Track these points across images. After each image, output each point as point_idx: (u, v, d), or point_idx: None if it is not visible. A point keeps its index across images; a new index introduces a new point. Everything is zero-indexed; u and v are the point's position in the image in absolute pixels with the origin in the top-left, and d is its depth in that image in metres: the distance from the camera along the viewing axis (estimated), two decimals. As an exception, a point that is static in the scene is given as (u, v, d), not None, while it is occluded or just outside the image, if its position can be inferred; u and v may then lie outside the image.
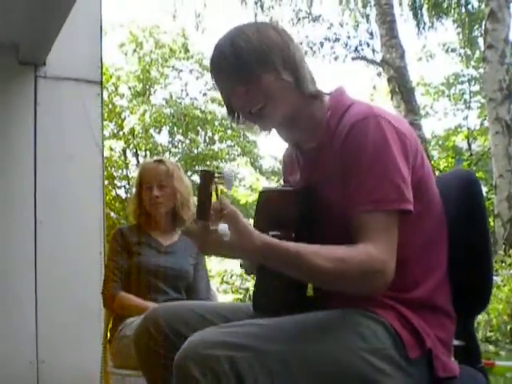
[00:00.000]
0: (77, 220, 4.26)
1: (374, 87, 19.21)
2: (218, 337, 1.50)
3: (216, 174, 1.51)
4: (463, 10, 16.66)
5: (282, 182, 2.11)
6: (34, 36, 4.05)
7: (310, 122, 1.81)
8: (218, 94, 1.78)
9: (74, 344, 4.06)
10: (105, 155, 4.64)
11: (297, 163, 1.94)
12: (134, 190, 3.51)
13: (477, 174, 1.98)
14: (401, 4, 16.73)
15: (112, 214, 14.87)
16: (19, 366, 3.98)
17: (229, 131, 19.86)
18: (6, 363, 3.91)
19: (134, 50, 19.95)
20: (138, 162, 19.13)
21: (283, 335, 1.55)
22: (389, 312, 1.65)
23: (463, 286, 1.78)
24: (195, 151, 19.97)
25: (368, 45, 16.71)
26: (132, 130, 18.61)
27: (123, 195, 18.51)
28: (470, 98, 18.85)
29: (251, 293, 2.01)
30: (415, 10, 16.70)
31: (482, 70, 14.66)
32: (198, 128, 19.87)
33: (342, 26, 17.03)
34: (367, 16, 17.00)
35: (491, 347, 6.78)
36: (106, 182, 14.07)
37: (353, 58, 16.61)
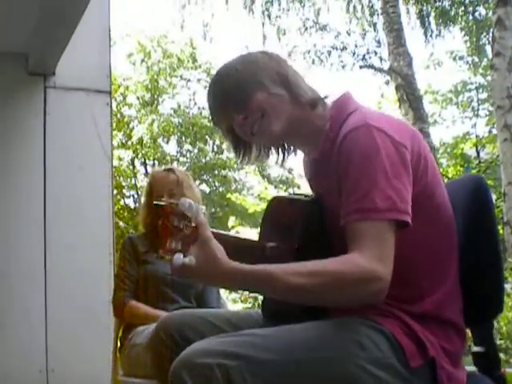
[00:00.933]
0: (86, 229, 4.28)
1: (382, 95, 19.20)
2: (212, 346, 1.51)
3: (168, 207, 1.53)
4: (470, 17, 16.65)
5: (290, 190, 2.10)
6: (43, 46, 4.07)
7: (311, 132, 1.82)
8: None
9: (83, 353, 4.07)
10: (113, 165, 4.65)
11: (308, 174, 1.95)
12: (143, 198, 3.51)
13: (486, 182, 1.97)
14: (408, 12, 16.73)
15: (121, 223, 14.88)
16: (29, 374, 3.99)
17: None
18: (15, 371, 3.92)
19: (143, 60, 20.03)
20: (147, 171, 19.16)
21: (279, 344, 1.54)
22: (389, 320, 1.63)
23: (475, 294, 1.77)
24: (203, 160, 20.00)
25: (375, 53, 16.71)
26: (140, 140, 18.65)
27: (132, 205, 18.54)
28: (478, 105, 18.80)
29: (260, 302, 2.01)
30: (422, 18, 16.70)
31: (489, 78, 14.63)
32: (206, 137, 19.90)
33: (349, 34, 17.04)
34: (374, 24, 17.00)
35: (502, 355, 6.75)
36: (115, 192, 14.09)
37: (360, 67, 16.60)
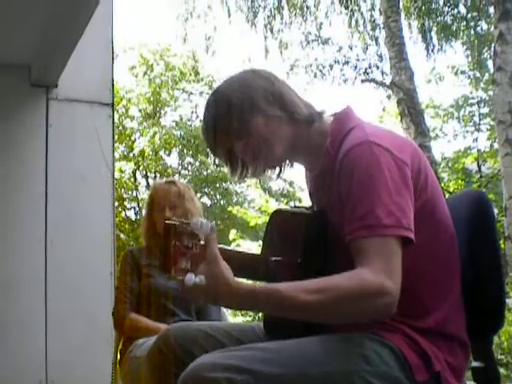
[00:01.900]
0: (87, 241, 4.27)
1: (384, 109, 19.22)
2: (220, 360, 1.51)
3: (180, 226, 1.52)
4: (472, 32, 16.70)
5: (292, 203, 2.10)
6: (46, 58, 4.09)
7: (311, 148, 1.82)
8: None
9: (83, 364, 4.05)
10: (115, 177, 4.65)
11: (310, 188, 1.95)
12: (144, 211, 3.51)
13: (487, 196, 1.97)
14: (410, 26, 16.79)
15: (122, 235, 14.88)
16: (29, 386, 3.97)
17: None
18: (15, 382, 3.90)
19: (145, 73, 20.06)
20: (148, 183, 19.17)
21: (285, 358, 1.55)
22: (395, 334, 1.63)
23: (476, 309, 1.77)
24: (205, 173, 20.01)
25: (377, 67, 16.75)
26: (142, 152, 18.66)
27: (133, 217, 18.54)
28: (480, 120, 18.80)
29: (260, 314, 2.01)
30: (424, 33, 16.75)
31: (491, 93, 14.65)
32: (208, 150, 19.89)
33: (351, 48, 17.09)
34: (376, 39, 17.05)
35: (502, 370, 6.73)
36: (116, 204, 14.10)
37: (362, 81, 16.63)
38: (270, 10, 16.97)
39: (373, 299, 1.53)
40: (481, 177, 17.47)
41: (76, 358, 4.05)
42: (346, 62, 16.62)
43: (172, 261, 1.51)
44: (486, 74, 17.39)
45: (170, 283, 3.24)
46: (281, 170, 1.91)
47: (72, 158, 4.36)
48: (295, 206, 1.99)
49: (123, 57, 19.52)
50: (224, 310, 3.74)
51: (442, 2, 16.26)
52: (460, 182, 17.93)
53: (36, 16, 3.69)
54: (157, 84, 19.97)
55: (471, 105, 18.93)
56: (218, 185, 19.92)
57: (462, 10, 16.46)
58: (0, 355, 3.93)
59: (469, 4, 16.10)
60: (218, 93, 1.85)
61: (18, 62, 4.22)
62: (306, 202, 2.04)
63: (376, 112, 19.33)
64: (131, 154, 18.92)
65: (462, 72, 18.80)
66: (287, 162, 1.90)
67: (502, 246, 11.04)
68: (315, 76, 16.20)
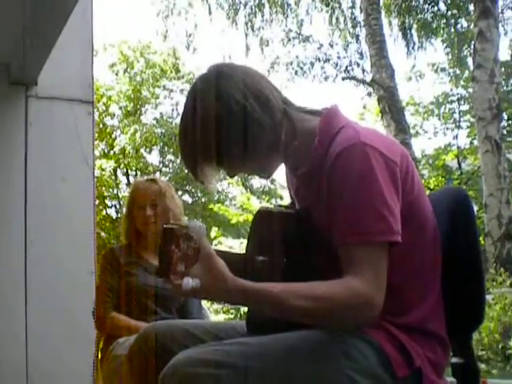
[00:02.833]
0: (68, 240, 4.25)
1: (364, 107, 19.31)
2: (199, 355, 1.51)
3: (179, 230, 1.51)
4: (452, 30, 16.82)
5: (273, 201, 2.09)
6: (25, 56, 4.05)
7: (298, 147, 1.78)
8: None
9: (64, 363, 4.03)
10: (95, 175, 4.63)
11: (292, 186, 1.93)
12: (125, 209, 3.50)
13: (467, 193, 1.98)
14: (390, 24, 16.88)
15: (102, 233, 14.83)
16: (9, 385, 3.95)
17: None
18: (-5, 385, 3.88)
19: (125, 70, 20.01)
20: (129, 181, 19.13)
21: (267, 353, 1.55)
22: (377, 331, 1.63)
23: (456, 304, 1.77)
24: (186, 171, 19.97)
25: (358, 65, 16.84)
26: (123, 150, 18.62)
27: (114, 215, 18.49)
28: (460, 117, 18.94)
29: (242, 313, 2.01)
30: (404, 31, 16.84)
31: (471, 90, 14.75)
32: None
33: (332, 46, 17.15)
34: (357, 36, 17.13)
35: (483, 366, 6.78)
36: (97, 202, 14.04)
37: (343, 78, 16.70)
38: (251, 8, 16.99)
39: (360, 311, 1.55)
40: (461, 174, 17.61)
41: (57, 357, 4.03)
42: (327, 60, 16.69)
43: (168, 265, 1.50)
44: (466, 72, 17.52)
45: (150, 281, 3.24)
46: (271, 173, 1.88)
47: (52, 156, 4.33)
48: (278, 205, 1.97)
49: (103, 54, 19.46)
50: (205, 307, 3.74)
51: (422, 0, 16.34)
52: (440, 178, 18.05)
53: (14, 13, 3.66)
54: (137, 81, 19.92)
55: (451, 102, 19.07)
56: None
57: (442, 7, 16.58)
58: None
59: (449, 2, 16.22)
60: (205, 95, 1.74)
61: (-3, 59, 4.19)
62: (288, 199, 2.02)
63: (357, 109, 19.41)
64: (112, 152, 18.87)
65: (442, 69, 18.93)
66: (276, 163, 1.87)
67: (482, 242, 11.13)
68: (296, 73, 16.26)
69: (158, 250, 1.51)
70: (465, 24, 16.70)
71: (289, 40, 17.06)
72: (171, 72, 20.53)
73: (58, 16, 3.68)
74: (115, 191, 19.32)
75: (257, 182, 21.01)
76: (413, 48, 16.89)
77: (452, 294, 1.77)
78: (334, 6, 16.93)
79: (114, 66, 19.96)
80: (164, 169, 20.42)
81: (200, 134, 1.69)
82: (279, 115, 1.74)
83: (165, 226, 1.53)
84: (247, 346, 1.56)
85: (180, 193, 18.93)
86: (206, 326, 1.91)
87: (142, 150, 19.27)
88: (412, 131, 17.58)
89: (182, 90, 20.46)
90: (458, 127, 18.88)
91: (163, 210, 3.31)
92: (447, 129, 19.30)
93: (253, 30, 16.99)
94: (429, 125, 19.73)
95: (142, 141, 18.60)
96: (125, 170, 19.65)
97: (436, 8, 16.60)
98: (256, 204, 14.57)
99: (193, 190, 20.44)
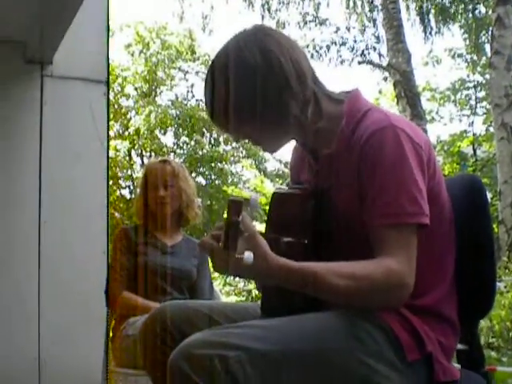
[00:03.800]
0: (81, 220, 4.26)
1: (380, 91, 19.23)
2: (211, 337, 1.51)
3: (245, 203, 1.50)
4: (470, 15, 16.66)
5: (289, 180, 2.08)
6: (41, 34, 4.05)
7: (323, 130, 1.78)
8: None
9: (76, 343, 4.06)
10: (110, 155, 4.64)
11: (308, 167, 1.92)
12: (138, 189, 3.51)
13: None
14: (408, 9, 16.73)
15: (116, 214, 14.88)
16: (21, 364, 3.98)
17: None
18: (8, 361, 3.91)
19: (141, 51, 19.98)
20: (143, 162, 19.16)
21: (278, 336, 1.55)
22: (388, 314, 1.64)
23: (466, 290, 1.78)
24: (200, 153, 19.97)
25: (374, 49, 16.72)
26: (137, 131, 18.63)
27: (127, 195, 18.54)
28: (476, 103, 18.82)
29: (254, 295, 2.01)
30: (422, 15, 16.70)
31: (488, 76, 14.64)
32: (204, 130, 19.87)
33: (348, 29, 17.04)
34: (374, 20, 17.00)
35: (493, 353, 6.76)
36: (111, 182, 14.08)
37: (359, 62, 16.60)
38: (268, -11, 16.88)
39: (394, 291, 1.58)
40: (476, 160, 17.50)
41: (69, 336, 4.05)
42: (343, 44, 16.59)
43: (232, 238, 1.47)
44: (484, 58, 17.37)
45: (163, 261, 3.26)
46: (277, 149, 1.87)
47: (66, 135, 4.34)
48: (293, 186, 1.96)
49: (119, 34, 19.45)
50: (216, 289, 3.76)
51: (440, -15, 16.19)
52: (455, 165, 17.96)
53: (31, -8, 3.66)
54: (153, 62, 19.89)
55: (468, 88, 18.95)
56: (213, 164, 19.90)
57: (461, -8, 16.40)
58: (-9, 333, 3.94)
59: (467, -13, 16.04)
60: (242, 64, 1.70)
61: (13, 38, 4.18)
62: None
63: (372, 94, 19.31)
64: (126, 133, 18.88)
65: (460, 55, 18.80)
66: (286, 141, 1.87)
67: (496, 230, 11.08)
68: (312, 57, 16.14)
69: (226, 222, 1.47)
70: (483, 10, 16.53)
71: (305, 23, 16.96)
72: (187, 54, 20.48)
73: (75, -5, 3.68)
74: (129, 172, 19.36)
75: (270, 165, 21.02)
76: (430, 33, 16.75)
77: (463, 280, 1.77)
78: (352, -12, 16.83)
79: (130, 46, 19.94)
80: (178, 150, 20.42)
81: (237, 81, 1.69)
82: (309, 93, 1.75)
83: (232, 198, 1.50)
84: (258, 328, 1.57)
85: (194, 175, 18.95)
86: (218, 306, 1.93)
87: (156, 132, 19.27)
88: (427, 117, 17.50)
89: (197, 72, 20.44)
90: (474, 114, 18.77)
91: (176, 190, 3.32)
92: (463, 115, 19.21)
93: (269, 12, 16.90)
94: (445, 111, 19.66)
95: (157, 122, 18.60)
96: (139, 151, 19.68)
97: (454, -7, 16.46)
98: (269, 187, 14.55)
99: (206, 172, 20.45)
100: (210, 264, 1.61)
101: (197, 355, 1.46)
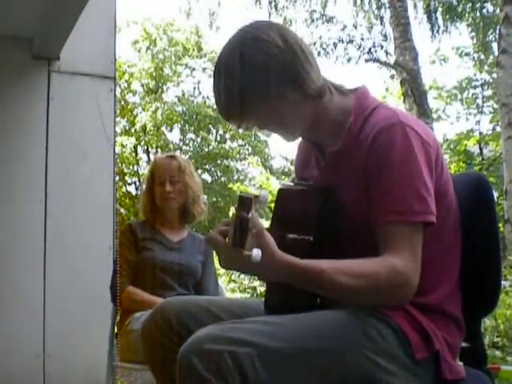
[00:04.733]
0: (87, 215, 4.28)
1: (387, 89, 19.16)
2: (222, 332, 1.51)
3: (254, 200, 1.48)
4: (478, 14, 16.60)
5: (294, 176, 2.07)
6: (48, 30, 4.06)
7: (331, 125, 1.79)
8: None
9: (81, 338, 4.07)
10: (116, 151, 4.64)
11: (315, 163, 1.91)
12: (144, 185, 3.51)
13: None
14: (415, 7, 16.70)
15: (122, 209, 14.90)
16: (26, 358, 3.99)
17: (240, 130, 19.84)
18: (12, 356, 3.93)
19: (148, 48, 20.01)
20: (149, 159, 19.20)
21: (287, 332, 1.55)
22: (397, 312, 1.64)
23: (471, 289, 1.78)
24: (206, 149, 20.00)
25: (381, 47, 16.67)
26: (144, 127, 18.66)
27: (133, 192, 18.57)
28: (483, 102, 18.77)
29: (258, 292, 2.00)
30: (429, 13, 16.66)
31: (495, 75, 14.60)
32: (210, 126, 19.90)
33: (355, 27, 16.99)
34: (381, 18, 16.96)
35: (498, 353, 6.75)
36: (117, 178, 14.10)
37: (366, 60, 16.57)
38: (275, -13, 16.85)
39: (398, 290, 1.59)
40: (482, 159, 17.45)
41: (73, 331, 4.07)
42: (350, 41, 16.54)
43: (241, 234, 1.46)
44: (491, 57, 17.31)
45: (168, 257, 3.26)
46: (296, 137, 1.87)
47: (73, 131, 4.35)
48: (298, 182, 1.95)
49: (126, 31, 19.48)
50: (221, 285, 3.76)
51: (447, -17, 16.15)
52: (461, 164, 17.90)
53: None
54: (160, 59, 19.91)
55: (475, 87, 18.89)
56: (219, 161, 19.92)
57: (468, -10, 16.35)
58: (-2, 328, 3.96)
59: (475, -15, 15.99)
60: (233, 59, 1.71)
61: (20, 34, 4.20)
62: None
63: (379, 92, 19.26)
64: (133, 129, 18.92)
65: (467, 54, 18.74)
66: (305, 135, 1.88)
67: (502, 229, 11.06)
68: (319, 54, 16.11)
69: (235, 218, 1.46)
70: (490, 8, 16.48)
71: (312, 20, 16.93)
72: (194, 50, 20.50)
73: (82, -9, 3.69)
74: (135, 168, 19.40)
75: (276, 162, 21.03)
76: (437, 31, 16.70)
77: (469, 280, 1.77)
78: (359, -13, 16.80)
79: (137, 42, 19.98)
80: (184, 147, 20.46)
81: (258, 62, 1.68)
82: (323, 80, 1.77)
83: (241, 194, 1.49)
84: (269, 324, 1.56)
85: (200, 171, 18.98)
86: (222, 302, 1.92)
87: (162, 128, 19.31)
88: (434, 115, 17.47)
89: (204, 69, 20.48)
90: (481, 113, 18.72)
91: (182, 186, 3.33)
92: (470, 114, 19.15)
93: (276, 9, 16.86)
94: (451, 109, 19.63)
95: (163, 119, 18.64)
96: (145, 148, 19.71)
97: (462, -9, 16.41)
98: (275, 184, 14.55)
99: (212, 169, 20.47)
100: (216, 260, 1.61)
101: (207, 350, 1.46)
